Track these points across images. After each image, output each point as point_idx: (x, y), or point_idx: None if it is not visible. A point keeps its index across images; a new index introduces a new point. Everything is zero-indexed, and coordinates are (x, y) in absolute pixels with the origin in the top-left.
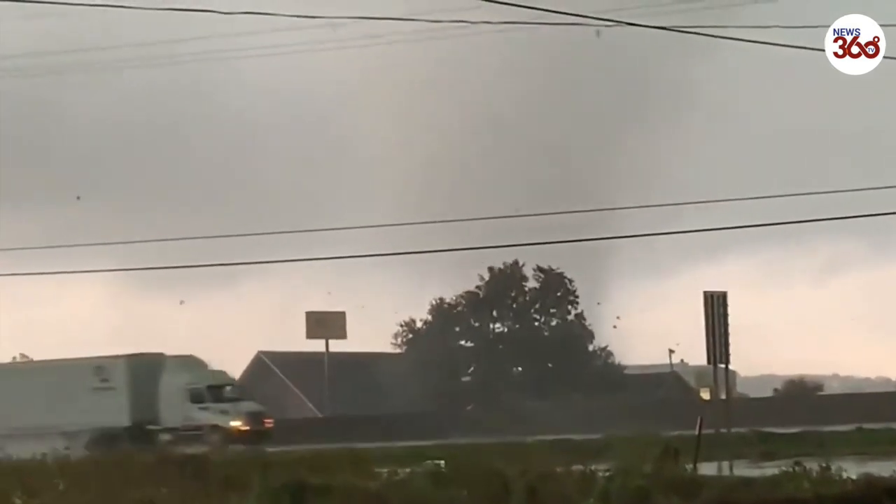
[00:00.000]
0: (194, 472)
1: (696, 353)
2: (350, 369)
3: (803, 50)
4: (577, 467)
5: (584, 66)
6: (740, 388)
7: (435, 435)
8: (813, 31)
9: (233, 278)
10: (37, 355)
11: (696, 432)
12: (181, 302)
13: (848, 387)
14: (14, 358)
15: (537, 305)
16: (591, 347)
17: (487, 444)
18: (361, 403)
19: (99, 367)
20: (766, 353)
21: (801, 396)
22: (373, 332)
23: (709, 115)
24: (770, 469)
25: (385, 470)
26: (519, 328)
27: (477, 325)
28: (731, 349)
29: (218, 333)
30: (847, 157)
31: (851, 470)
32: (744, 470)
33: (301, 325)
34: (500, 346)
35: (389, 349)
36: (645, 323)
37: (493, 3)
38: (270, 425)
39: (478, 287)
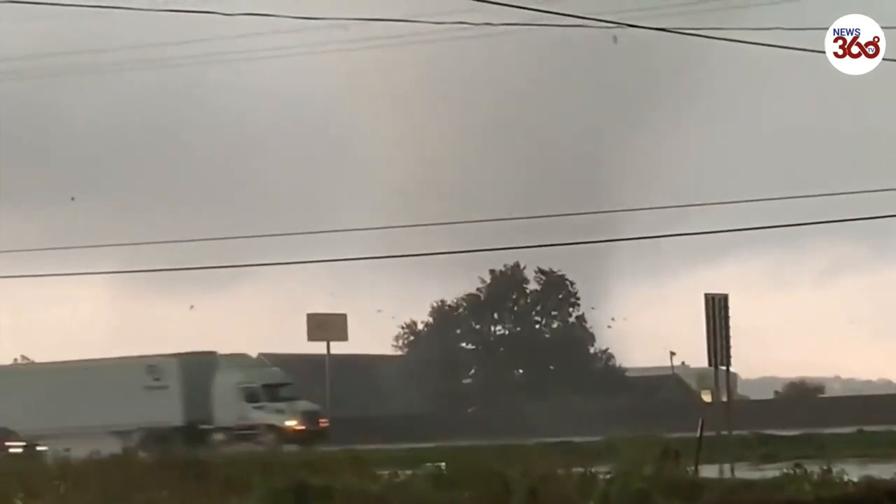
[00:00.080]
0: (195, 473)
1: (697, 356)
2: (351, 371)
3: (804, 52)
4: (578, 469)
5: (585, 68)
6: (741, 391)
7: (436, 437)
8: (816, 32)
9: (233, 280)
10: (37, 356)
11: (697, 434)
12: (191, 307)
13: (849, 389)
14: (15, 360)
15: (538, 307)
16: (591, 349)
17: (488, 446)
18: (362, 405)
19: (151, 366)
20: (767, 355)
21: (802, 399)
22: (374, 333)
23: (709, 117)
24: (771, 471)
25: (386, 472)
26: (520, 330)
27: (478, 327)
28: (732, 351)
29: (219, 335)
30: (848, 159)
31: (852, 472)
32: (745, 472)
33: (302, 327)
34: (501, 349)
35: (390, 351)
36: (646, 325)
37: (493, 4)
38: (326, 425)
39: (479, 289)
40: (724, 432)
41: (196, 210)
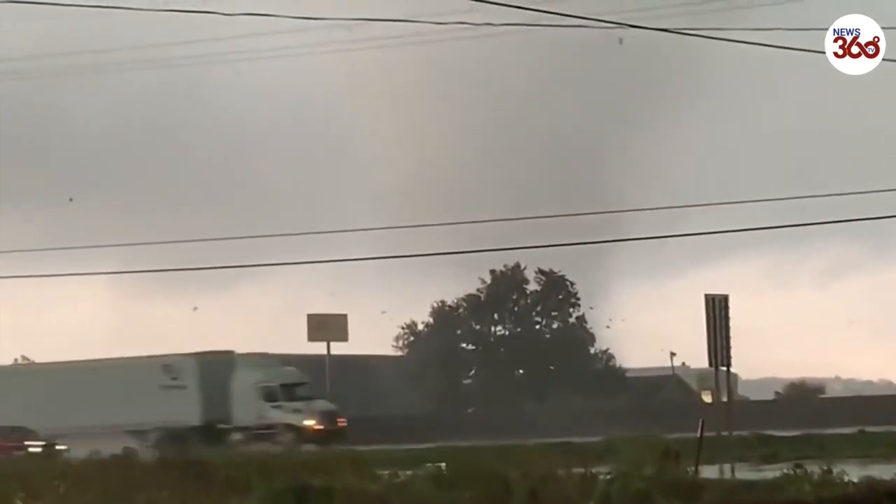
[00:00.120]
0: (196, 474)
1: (697, 356)
2: (351, 372)
3: (805, 52)
4: (579, 470)
5: (585, 68)
6: (741, 391)
7: (436, 437)
8: (816, 32)
9: (234, 280)
10: (37, 357)
11: (698, 435)
12: (195, 308)
13: (849, 390)
14: (15, 360)
15: (538, 308)
16: (592, 350)
17: (489, 447)
18: (363, 406)
19: (168, 366)
20: (768, 355)
21: (802, 399)
22: (374, 334)
23: (709, 117)
24: (771, 472)
25: (386, 472)
26: (520, 331)
27: (478, 327)
28: (733, 352)
29: (218, 335)
30: (848, 159)
31: (853, 473)
32: (745, 473)
33: (302, 328)
34: (502, 349)
35: (391, 351)
36: (646, 325)
37: (494, 5)
38: (344, 424)
39: (479, 289)
40: (725, 433)
41: (196, 210)
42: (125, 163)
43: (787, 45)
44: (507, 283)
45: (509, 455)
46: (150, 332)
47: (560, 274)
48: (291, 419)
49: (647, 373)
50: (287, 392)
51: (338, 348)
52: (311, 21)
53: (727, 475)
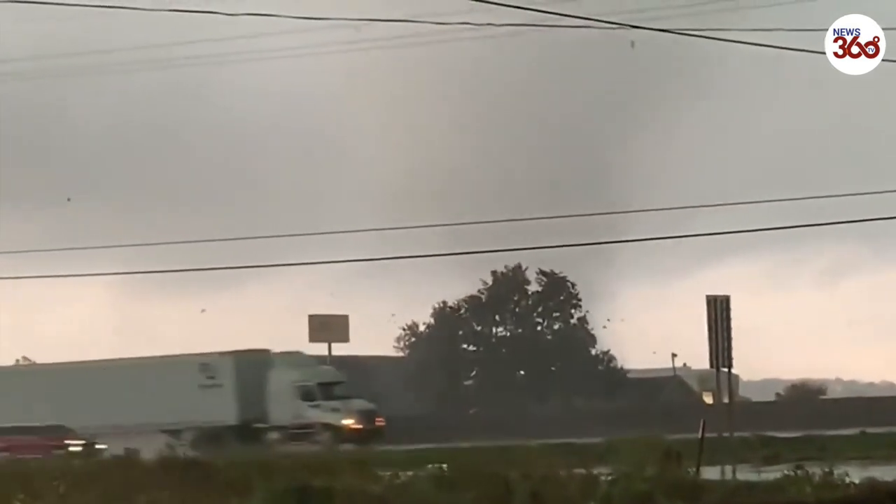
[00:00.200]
0: (197, 475)
1: (698, 357)
2: (352, 372)
3: (805, 52)
4: (580, 471)
5: (587, 69)
6: (743, 392)
7: (437, 438)
8: (817, 33)
9: (235, 281)
10: (37, 357)
11: (699, 436)
12: (202, 310)
13: (851, 391)
14: (17, 360)
15: (540, 309)
16: (593, 351)
17: (490, 448)
18: None
19: (205, 364)
20: (769, 356)
21: (803, 400)
22: (376, 335)
23: (710, 119)
24: (772, 473)
25: (388, 473)
26: (521, 332)
27: (479, 328)
28: (734, 353)
29: (219, 336)
30: (848, 159)
31: (854, 474)
32: (746, 474)
33: (303, 329)
34: (503, 350)
35: (392, 352)
36: (647, 326)
37: (495, 5)
38: (382, 424)
39: (480, 290)
40: (726, 434)
41: (197, 210)
42: (126, 163)
43: (787, 46)
44: (508, 283)
45: (510, 456)
46: (151, 333)
47: (561, 275)
48: (329, 418)
49: (649, 374)
50: (325, 391)
51: (339, 349)
52: (313, 21)
53: (728, 476)
